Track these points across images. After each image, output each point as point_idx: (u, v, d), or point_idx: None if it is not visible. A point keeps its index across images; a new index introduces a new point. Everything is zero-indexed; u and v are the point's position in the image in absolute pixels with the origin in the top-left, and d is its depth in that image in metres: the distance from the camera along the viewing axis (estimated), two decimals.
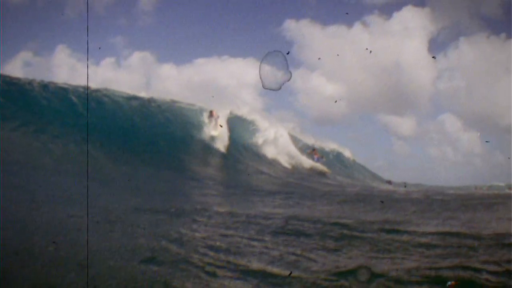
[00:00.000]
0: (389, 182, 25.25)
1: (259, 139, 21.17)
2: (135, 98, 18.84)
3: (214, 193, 11.07)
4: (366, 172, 27.97)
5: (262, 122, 22.33)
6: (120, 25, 39.73)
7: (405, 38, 36.00)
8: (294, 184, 15.74)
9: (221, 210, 7.62)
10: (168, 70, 38.16)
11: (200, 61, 38.07)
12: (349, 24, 44.69)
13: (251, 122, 22.22)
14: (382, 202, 9.34)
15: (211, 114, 20.25)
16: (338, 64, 37.53)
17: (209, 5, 42.26)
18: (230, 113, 21.45)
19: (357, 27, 37.22)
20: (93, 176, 9.16)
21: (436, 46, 41.50)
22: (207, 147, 17.94)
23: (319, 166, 22.03)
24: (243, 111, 22.53)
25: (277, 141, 21.68)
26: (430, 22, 36.50)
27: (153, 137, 16.28)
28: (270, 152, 20.74)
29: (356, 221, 6.67)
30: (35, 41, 40.24)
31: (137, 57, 37.91)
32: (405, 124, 39.28)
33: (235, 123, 20.96)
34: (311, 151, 23.33)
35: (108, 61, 36.96)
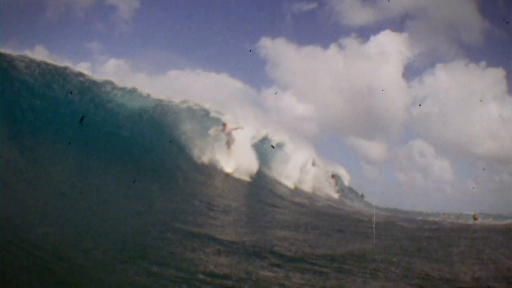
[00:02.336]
0: (362, 196, 26.42)
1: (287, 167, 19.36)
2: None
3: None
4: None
5: (289, 145, 20.60)
6: (98, 31, 39.16)
7: (380, 63, 36.54)
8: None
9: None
10: (140, 80, 37.27)
11: (173, 73, 37.52)
12: (325, 45, 45.39)
13: (279, 144, 20.26)
14: None
15: (224, 128, 15.90)
16: (310, 85, 37.80)
17: (187, 17, 42.25)
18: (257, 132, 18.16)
19: (333, 49, 37.68)
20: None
21: (412, 71, 42.41)
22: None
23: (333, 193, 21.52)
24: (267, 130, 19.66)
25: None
26: (407, 47, 37.17)
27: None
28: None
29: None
30: (14, 40, 39.14)
31: (112, 64, 37.17)
32: (374, 149, 39.74)
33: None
34: (332, 177, 23.28)
35: (84, 65, 35.79)
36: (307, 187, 19.58)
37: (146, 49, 41.24)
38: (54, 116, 11.16)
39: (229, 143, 15.73)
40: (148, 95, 15.92)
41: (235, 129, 15.85)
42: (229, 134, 15.75)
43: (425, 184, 38.81)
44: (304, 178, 19.97)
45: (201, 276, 4.48)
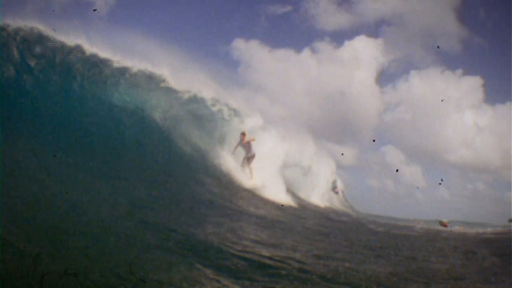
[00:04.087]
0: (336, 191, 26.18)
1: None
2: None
3: None
4: None
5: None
6: (74, 26, 38.60)
7: (354, 68, 36.27)
8: None
9: None
10: None
11: None
12: (298, 49, 45.00)
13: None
14: None
15: (242, 138, 14.46)
16: (282, 88, 37.40)
17: (162, 16, 41.85)
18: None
19: (306, 52, 37.33)
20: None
21: (386, 78, 42.25)
22: None
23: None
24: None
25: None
26: (382, 53, 37.06)
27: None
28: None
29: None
30: None
31: None
32: (345, 153, 39.35)
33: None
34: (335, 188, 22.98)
35: None
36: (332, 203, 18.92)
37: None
38: None
39: (249, 159, 14.19)
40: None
41: (252, 140, 14.29)
42: (247, 147, 14.28)
43: (396, 190, 38.77)
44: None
45: None
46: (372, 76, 35.37)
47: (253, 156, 14.19)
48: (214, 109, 15.70)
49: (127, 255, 4.60)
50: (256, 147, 14.34)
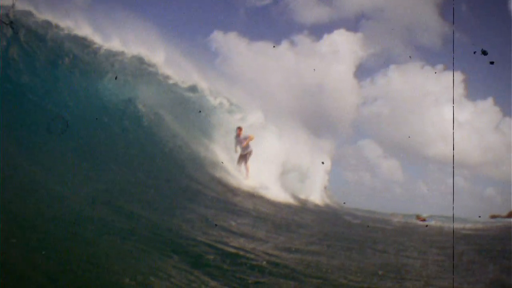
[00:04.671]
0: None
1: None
2: None
3: None
4: None
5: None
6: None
7: (332, 61, 36.31)
8: None
9: None
10: None
11: None
12: (276, 41, 44.74)
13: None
14: None
15: (238, 133, 13.43)
16: (260, 80, 37.25)
17: (139, 6, 40.88)
18: None
19: (284, 45, 37.25)
20: None
21: (364, 71, 42.49)
22: None
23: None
24: None
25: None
26: (361, 47, 37.05)
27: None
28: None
29: None
30: None
31: None
32: (322, 147, 39.44)
33: None
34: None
35: None
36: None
37: None
38: None
39: (245, 156, 13.13)
40: None
41: (250, 139, 13.13)
42: (243, 143, 13.12)
43: (373, 184, 39.02)
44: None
45: None
46: (350, 70, 35.49)
47: (249, 153, 13.18)
48: (196, 96, 15.33)
49: (97, 243, 4.42)
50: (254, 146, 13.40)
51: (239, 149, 13.33)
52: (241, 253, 4.99)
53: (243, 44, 38.49)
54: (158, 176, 9.58)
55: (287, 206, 12.41)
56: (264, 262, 4.74)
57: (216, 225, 6.50)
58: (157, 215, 6.34)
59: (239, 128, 13.38)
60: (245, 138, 13.13)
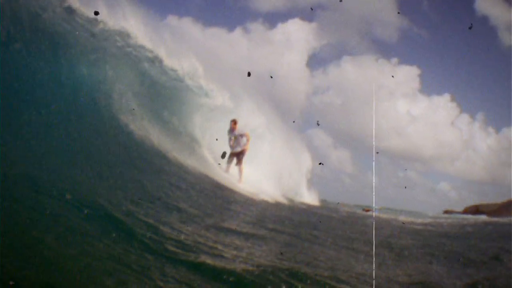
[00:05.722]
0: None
1: None
2: None
3: None
4: None
5: None
6: None
7: (285, 50, 36.37)
8: None
9: None
10: None
11: None
12: (230, 28, 44.42)
13: None
14: None
15: (232, 127, 11.69)
16: (213, 67, 36.87)
17: None
18: None
19: (238, 32, 37.06)
20: None
21: (317, 61, 42.75)
22: None
23: None
24: None
25: None
26: (314, 37, 37.42)
27: None
28: None
29: None
30: None
31: None
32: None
33: None
34: None
35: None
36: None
37: None
38: None
39: (238, 155, 11.41)
40: None
41: (247, 137, 11.51)
42: (237, 139, 11.46)
43: (322, 173, 39.65)
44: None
45: None
46: (303, 59, 35.82)
47: (243, 152, 11.47)
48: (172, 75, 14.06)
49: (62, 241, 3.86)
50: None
51: (241, 151, 11.60)
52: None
53: (197, 29, 37.69)
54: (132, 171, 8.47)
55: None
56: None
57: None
58: (126, 206, 5.63)
59: (234, 121, 11.64)
60: (241, 135, 11.50)
